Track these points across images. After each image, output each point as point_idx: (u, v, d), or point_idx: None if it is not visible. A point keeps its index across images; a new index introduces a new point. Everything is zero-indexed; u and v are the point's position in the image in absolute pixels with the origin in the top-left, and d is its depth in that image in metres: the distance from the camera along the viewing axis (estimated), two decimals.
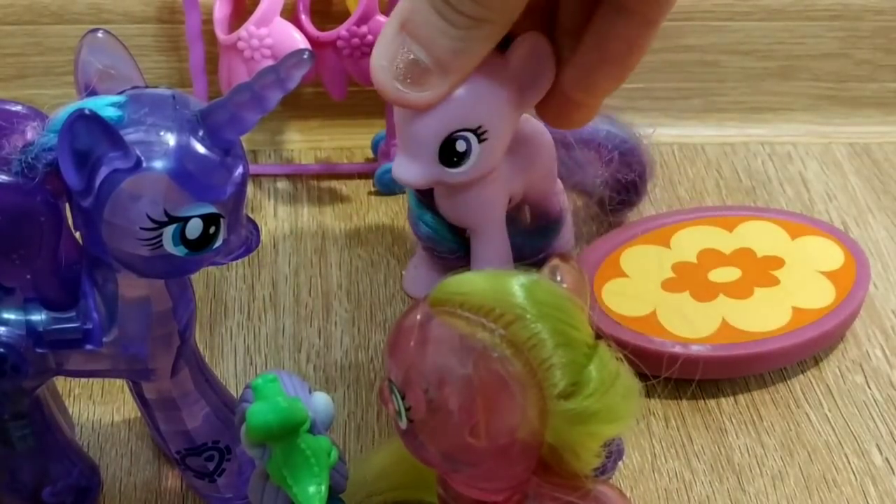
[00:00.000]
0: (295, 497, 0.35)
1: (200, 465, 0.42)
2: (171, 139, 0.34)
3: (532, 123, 0.47)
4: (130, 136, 0.33)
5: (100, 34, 0.37)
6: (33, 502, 0.41)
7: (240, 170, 0.35)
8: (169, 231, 0.34)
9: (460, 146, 0.41)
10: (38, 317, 0.37)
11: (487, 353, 0.32)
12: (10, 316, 0.37)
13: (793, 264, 0.51)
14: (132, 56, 0.37)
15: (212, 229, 0.35)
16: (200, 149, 0.34)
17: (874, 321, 0.52)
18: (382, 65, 0.38)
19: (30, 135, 0.35)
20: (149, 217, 0.33)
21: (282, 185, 0.59)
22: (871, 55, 0.63)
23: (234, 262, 0.54)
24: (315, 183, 0.59)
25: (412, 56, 0.38)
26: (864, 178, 0.61)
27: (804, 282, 0.50)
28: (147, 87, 0.36)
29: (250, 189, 0.58)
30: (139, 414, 0.46)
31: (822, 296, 0.49)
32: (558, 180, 0.49)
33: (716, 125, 0.64)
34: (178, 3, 0.56)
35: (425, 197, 0.47)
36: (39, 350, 0.37)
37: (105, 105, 0.34)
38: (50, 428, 0.41)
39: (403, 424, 0.34)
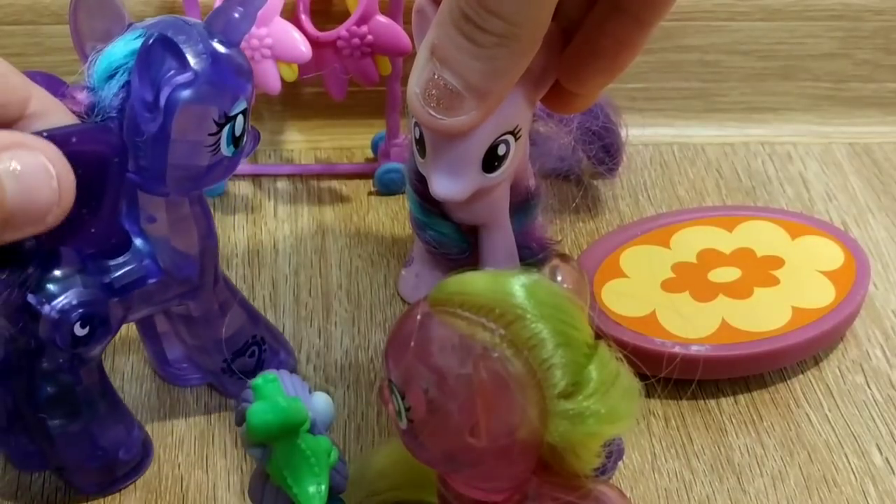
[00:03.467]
0: (295, 497, 0.35)
1: (245, 365, 0.45)
2: (204, 50, 0.37)
3: None
4: None
5: None
6: (112, 466, 0.43)
7: (249, 67, 0.38)
8: (225, 132, 0.38)
9: (501, 150, 0.42)
10: (101, 269, 0.39)
11: (487, 353, 0.32)
12: (78, 277, 0.38)
13: (793, 264, 0.51)
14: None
15: (245, 124, 0.38)
16: (226, 51, 0.37)
17: (874, 321, 0.52)
18: (416, 91, 0.38)
19: (80, 97, 0.37)
20: (214, 122, 0.37)
21: (282, 185, 0.59)
22: (871, 55, 0.63)
23: (233, 262, 0.54)
24: (315, 183, 0.59)
25: (443, 82, 0.37)
26: (864, 178, 0.61)
27: (804, 281, 0.50)
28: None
29: (250, 189, 0.58)
30: (139, 413, 0.47)
31: (822, 295, 0.49)
32: (528, 163, 0.49)
33: (716, 125, 0.64)
34: (178, 3, 0.56)
35: (429, 203, 0.47)
36: (114, 300, 0.40)
37: (133, 39, 0.37)
38: (111, 387, 0.43)
39: (403, 424, 0.34)
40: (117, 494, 0.44)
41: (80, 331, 0.38)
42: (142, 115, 0.37)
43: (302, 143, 0.62)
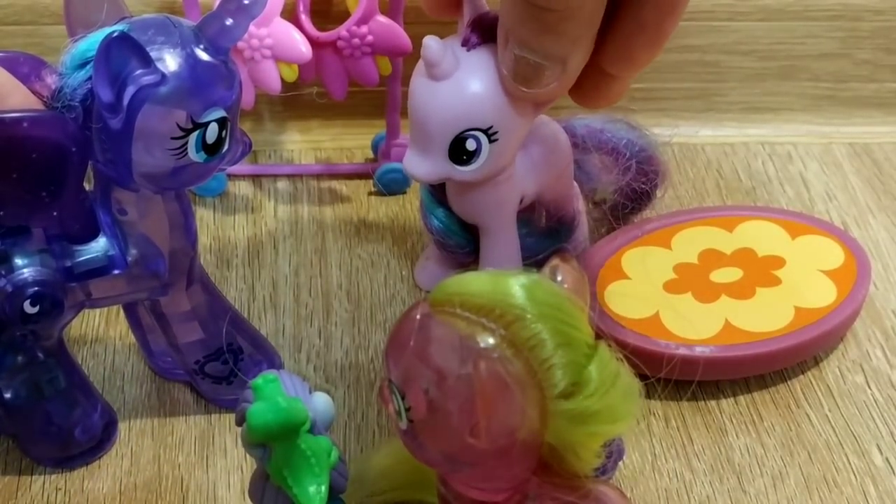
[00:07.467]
0: (295, 497, 0.35)
1: (218, 370, 0.45)
2: (182, 53, 0.37)
3: (549, 125, 0.47)
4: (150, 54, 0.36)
5: None
6: (67, 444, 0.43)
7: (237, 77, 0.38)
8: (193, 138, 0.37)
9: (470, 145, 0.42)
10: (65, 252, 0.40)
11: (487, 354, 0.32)
12: (38, 256, 0.39)
13: (794, 264, 0.51)
14: None
15: (223, 133, 0.38)
16: (207, 58, 0.37)
17: (874, 321, 0.52)
18: (504, 73, 0.41)
19: (49, 80, 0.38)
20: (178, 126, 0.37)
21: (282, 185, 0.59)
22: (871, 55, 0.63)
23: (233, 263, 0.54)
24: (315, 183, 0.59)
25: (525, 60, 0.41)
26: (864, 178, 0.61)
27: (806, 281, 0.50)
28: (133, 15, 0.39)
29: (250, 189, 0.58)
30: (139, 413, 0.47)
31: (824, 294, 0.49)
32: (575, 183, 0.50)
33: (716, 125, 0.64)
34: (178, 3, 0.56)
35: (438, 192, 0.48)
36: (71, 284, 0.40)
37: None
38: (74, 366, 0.43)
39: (403, 425, 0.34)
40: (117, 494, 0.44)
41: (29, 308, 0.39)
42: (101, 113, 0.37)
43: (302, 143, 0.62)
